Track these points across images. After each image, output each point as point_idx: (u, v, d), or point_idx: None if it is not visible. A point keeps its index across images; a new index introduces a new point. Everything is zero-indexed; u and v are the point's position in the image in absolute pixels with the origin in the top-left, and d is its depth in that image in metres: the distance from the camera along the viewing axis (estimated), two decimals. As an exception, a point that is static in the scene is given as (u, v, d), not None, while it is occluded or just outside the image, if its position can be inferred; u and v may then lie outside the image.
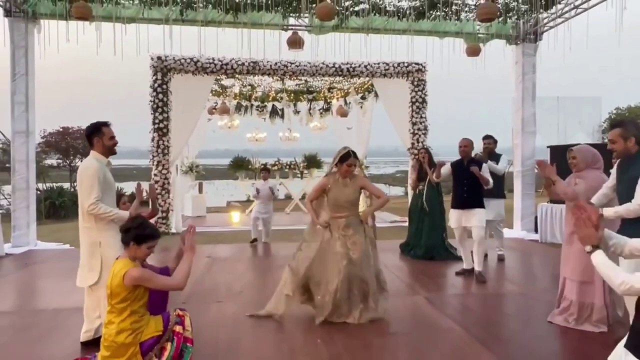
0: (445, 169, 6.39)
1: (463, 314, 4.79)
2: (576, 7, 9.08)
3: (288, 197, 17.15)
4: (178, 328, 2.90)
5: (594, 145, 4.69)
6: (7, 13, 8.61)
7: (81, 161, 23.34)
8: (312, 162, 14.84)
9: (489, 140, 7.15)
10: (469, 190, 6.07)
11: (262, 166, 9.80)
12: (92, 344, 3.69)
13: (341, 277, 4.26)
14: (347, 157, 4.38)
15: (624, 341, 2.31)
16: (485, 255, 6.49)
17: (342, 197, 4.39)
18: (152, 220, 3.78)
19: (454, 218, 6.16)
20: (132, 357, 2.75)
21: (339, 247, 4.33)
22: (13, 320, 4.63)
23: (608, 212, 3.55)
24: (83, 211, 3.65)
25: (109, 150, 3.78)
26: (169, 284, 2.89)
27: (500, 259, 7.14)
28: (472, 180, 5.98)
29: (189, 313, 3.09)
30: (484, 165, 6.12)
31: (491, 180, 6.05)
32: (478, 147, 7.15)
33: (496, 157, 6.96)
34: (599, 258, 2.31)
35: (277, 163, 14.36)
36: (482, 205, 6.06)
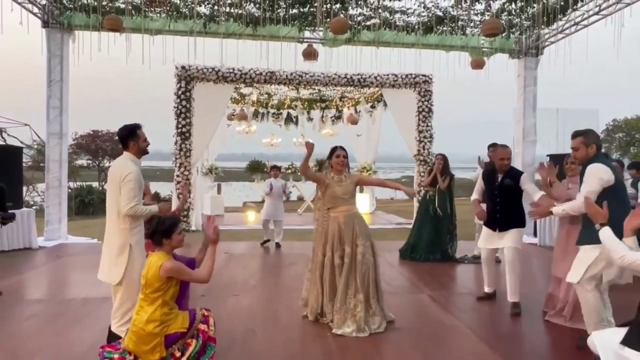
0: (478, 185, 5.33)
1: (466, 312, 4.77)
2: (576, 23, 9.00)
3: (300, 199, 17.20)
4: (203, 327, 2.93)
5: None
6: (45, 24, 8.79)
7: (109, 162, 23.35)
8: (324, 166, 14.79)
9: (494, 148, 7.09)
10: (502, 209, 4.79)
11: (273, 165, 9.58)
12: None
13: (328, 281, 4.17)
14: (335, 149, 4.40)
15: (612, 334, 2.35)
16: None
17: (339, 191, 4.30)
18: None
19: (483, 237, 5.03)
20: (156, 347, 2.78)
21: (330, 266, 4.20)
22: (45, 308, 4.70)
23: (556, 210, 3.71)
24: (119, 213, 3.51)
25: (143, 151, 3.73)
26: (197, 277, 2.96)
27: (497, 260, 7.04)
28: (507, 197, 4.76)
29: (208, 305, 3.12)
30: (523, 176, 4.77)
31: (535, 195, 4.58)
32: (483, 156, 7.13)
33: None
34: (606, 233, 2.59)
35: (290, 167, 14.40)
36: (520, 225, 4.79)
